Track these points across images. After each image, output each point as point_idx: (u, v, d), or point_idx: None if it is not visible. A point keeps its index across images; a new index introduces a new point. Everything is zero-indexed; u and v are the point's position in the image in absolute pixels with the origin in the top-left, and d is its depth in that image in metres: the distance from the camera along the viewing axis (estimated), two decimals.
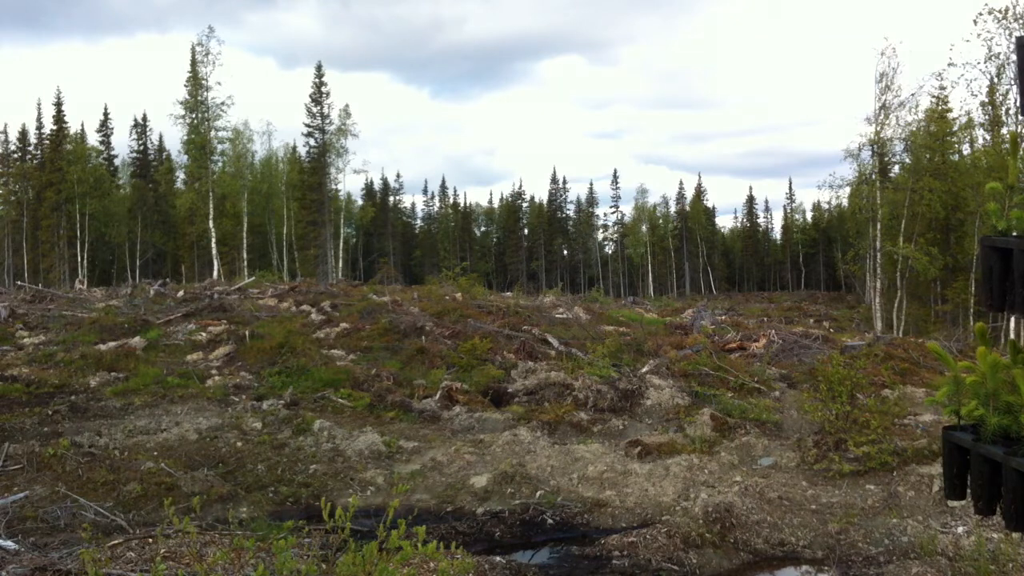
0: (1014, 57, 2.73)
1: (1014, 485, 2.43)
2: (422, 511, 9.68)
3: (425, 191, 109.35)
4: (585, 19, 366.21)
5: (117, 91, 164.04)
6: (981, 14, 30.69)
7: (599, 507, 9.84)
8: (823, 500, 9.67)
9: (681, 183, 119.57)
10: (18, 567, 6.54)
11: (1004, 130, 35.50)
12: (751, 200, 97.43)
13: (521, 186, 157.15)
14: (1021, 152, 2.62)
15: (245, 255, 52.94)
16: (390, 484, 10.42)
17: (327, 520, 4.41)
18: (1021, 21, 29.84)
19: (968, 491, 2.70)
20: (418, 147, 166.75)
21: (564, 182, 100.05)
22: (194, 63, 48.38)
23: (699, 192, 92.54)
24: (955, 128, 42.33)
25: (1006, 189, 2.61)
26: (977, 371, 2.69)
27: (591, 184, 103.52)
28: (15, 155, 63.56)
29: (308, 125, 55.57)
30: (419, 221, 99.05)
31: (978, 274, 33.33)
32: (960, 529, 8.50)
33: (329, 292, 27.67)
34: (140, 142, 68.11)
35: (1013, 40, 27.96)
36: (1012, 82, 31.05)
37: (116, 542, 7.60)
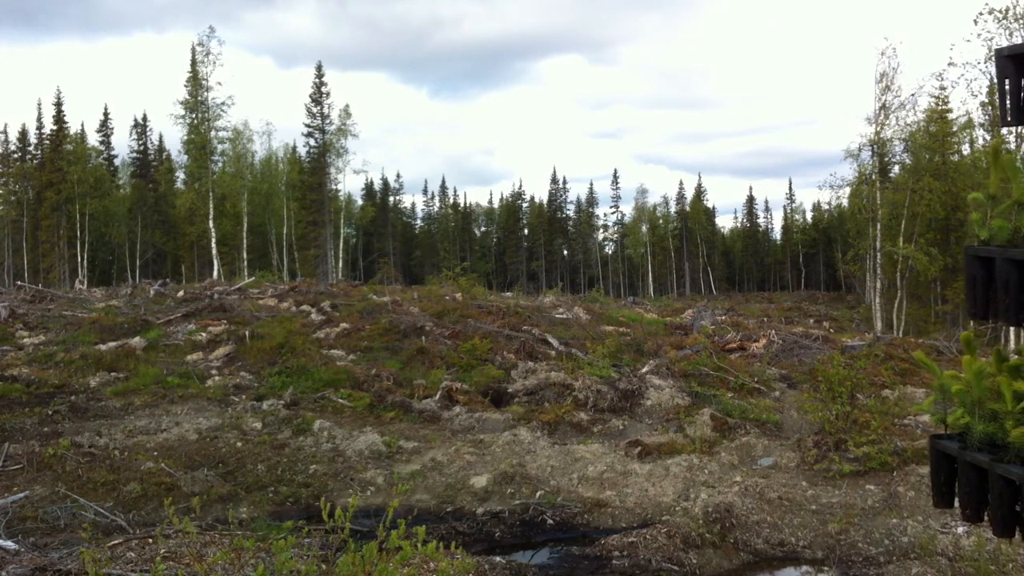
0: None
1: (1000, 491, 2.44)
2: (422, 511, 9.68)
3: (425, 191, 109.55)
4: (585, 19, 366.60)
5: (116, 91, 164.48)
6: (981, 14, 30.66)
7: (599, 507, 9.84)
8: (823, 500, 9.67)
9: (681, 183, 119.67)
10: (18, 567, 6.53)
11: (1004, 130, 35.51)
12: (751, 200, 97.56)
13: (521, 186, 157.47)
14: (1020, 161, 2.63)
15: (245, 255, 52.92)
16: (390, 484, 10.42)
17: (327, 520, 4.41)
18: (1021, 21, 29.83)
19: (956, 498, 2.71)
20: (418, 147, 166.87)
21: (564, 182, 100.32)
22: (194, 63, 48.37)
23: (699, 192, 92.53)
24: (955, 128, 42.34)
25: (987, 199, 2.63)
26: (963, 379, 2.70)
27: (591, 184, 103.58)
28: (15, 155, 63.56)
29: (308, 125, 55.59)
30: (419, 221, 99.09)
31: None
32: (960, 529, 8.50)
33: (329, 292, 27.66)
34: (140, 142, 68.13)
35: (1011, 42, 27.95)
36: None
37: (116, 542, 7.60)
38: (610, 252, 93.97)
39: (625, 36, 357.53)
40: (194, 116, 48.63)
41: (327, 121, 55.42)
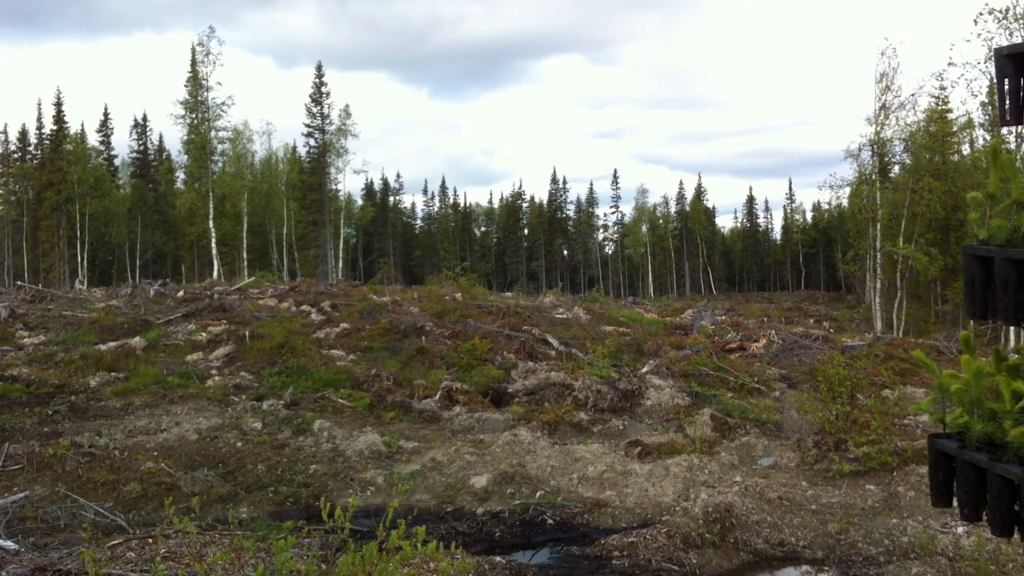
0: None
1: (999, 491, 2.44)
2: (422, 511, 9.68)
3: (425, 191, 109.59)
4: (585, 19, 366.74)
5: (116, 91, 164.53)
6: (981, 14, 30.63)
7: (599, 507, 9.84)
8: (823, 500, 9.67)
9: (681, 183, 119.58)
10: (18, 567, 6.53)
11: (1004, 130, 35.51)
12: (751, 200, 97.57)
13: (521, 186, 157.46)
14: (1019, 161, 2.63)
15: (245, 255, 52.92)
16: (390, 484, 10.42)
17: (327, 520, 4.41)
18: (1021, 21, 29.81)
19: (954, 497, 2.71)
20: (417, 147, 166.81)
21: (564, 182, 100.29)
22: (194, 63, 48.37)
23: (699, 192, 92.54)
24: (955, 128, 42.33)
25: (987, 198, 2.63)
26: (962, 379, 2.70)
27: (591, 184, 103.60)
28: (15, 155, 63.56)
29: (308, 125, 55.60)
30: (419, 221, 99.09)
31: None
32: (960, 529, 8.50)
33: (329, 292, 27.66)
34: (140, 142, 68.13)
35: (1010, 42, 27.93)
36: None
37: (116, 542, 7.60)
38: (610, 252, 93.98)
39: (625, 36, 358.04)
40: (194, 116, 48.63)
41: (327, 121, 55.46)
